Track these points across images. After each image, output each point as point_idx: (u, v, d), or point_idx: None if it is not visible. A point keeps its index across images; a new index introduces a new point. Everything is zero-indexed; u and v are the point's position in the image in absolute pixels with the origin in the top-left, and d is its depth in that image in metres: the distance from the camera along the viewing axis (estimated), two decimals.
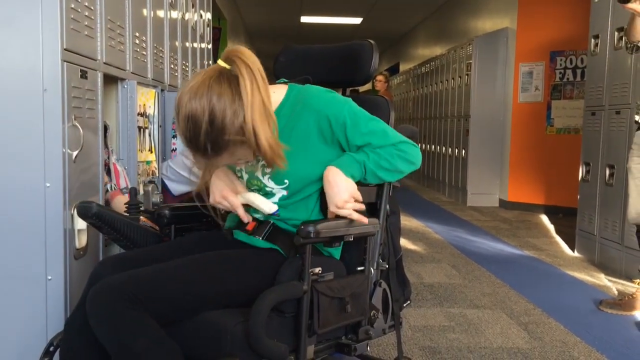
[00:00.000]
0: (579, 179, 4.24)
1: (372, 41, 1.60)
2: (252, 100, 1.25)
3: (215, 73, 1.26)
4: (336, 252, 1.49)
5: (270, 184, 1.43)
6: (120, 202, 2.01)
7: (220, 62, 1.29)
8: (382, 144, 1.42)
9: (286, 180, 1.42)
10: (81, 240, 1.73)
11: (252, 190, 1.46)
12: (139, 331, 1.20)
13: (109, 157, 2.13)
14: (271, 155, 1.29)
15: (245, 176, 1.47)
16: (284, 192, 1.43)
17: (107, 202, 2.04)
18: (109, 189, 2.07)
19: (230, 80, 1.26)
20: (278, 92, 1.45)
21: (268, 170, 1.42)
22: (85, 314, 1.28)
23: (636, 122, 2.87)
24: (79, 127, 1.69)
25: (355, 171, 1.39)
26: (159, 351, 1.20)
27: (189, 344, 1.27)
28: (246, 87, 1.25)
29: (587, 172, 4.12)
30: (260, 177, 1.44)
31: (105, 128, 2.15)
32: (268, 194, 1.45)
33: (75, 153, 1.67)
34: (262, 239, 1.44)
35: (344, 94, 1.77)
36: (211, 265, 1.34)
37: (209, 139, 1.24)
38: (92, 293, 1.23)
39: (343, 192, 1.35)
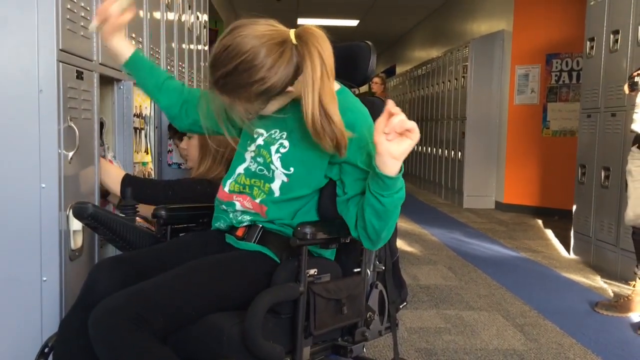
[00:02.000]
0: (575, 181, 4.25)
1: (369, 42, 1.60)
2: (317, 84, 1.25)
3: (280, 39, 1.26)
4: (330, 253, 1.48)
5: (277, 163, 1.40)
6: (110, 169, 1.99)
7: (291, 32, 1.29)
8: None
9: (292, 168, 1.40)
10: (76, 241, 1.72)
11: (253, 162, 1.44)
12: (144, 355, 1.18)
13: (104, 154, 2.12)
14: (315, 133, 1.27)
15: (260, 143, 1.44)
16: (285, 179, 1.40)
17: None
18: (105, 156, 2.06)
19: (288, 53, 1.26)
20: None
21: (283, 150, 1.40)
22: (80, 315, 1.28)
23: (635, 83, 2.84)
24: (75, 128, 1.68)
25: (399, 181, 1.22)
26: None
27: (185, 346, 1.27)
28: (311, 73, 1.25)
29: (583, 174, 4.13)
30: (272, 152, 1.41)
31: (102, 124, 2.15)
32: (268, 173, 1.41)
33: (70, 154, 1.66)
34: (254, 242, 1.43)
35: None
36: (208, 274, 1.33)
37: (228, 75, 1.24)
38: (93, 319, 1.20)
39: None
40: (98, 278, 1.34)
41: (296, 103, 1.36)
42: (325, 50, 1.28)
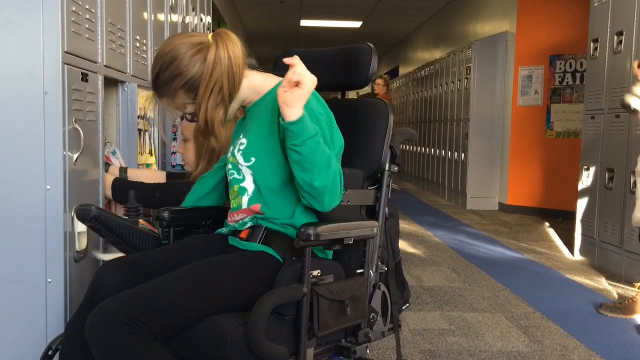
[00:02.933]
0: (579, 182, 4.24)
1: (371, 44, 1.60)
2: (211, 71, 1.38)
3: (198, 40, 1.41)
4: (329, 252, 1.48)
5: (240, 160, 1.46)
6: (131, 172, 2.04)
7: (209, 35, 1.43)
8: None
9: (252, 158, 1.43)
10: (81, 243, 1.73)
11: (233, 168, 1.50)
12: (141, 358, 1.18)
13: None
14: (203, 126, 1.41)
15: (229, 154, 1.52)
16: (250, 172, 1.44)
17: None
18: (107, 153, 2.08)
19: (205, 51, 1.40)
20: (271, 81, 1.50)
21: (242, 146, 1.46)
22: (86, 316, 1.28)
23: (627, 105, 2.84)
24: (80, 129, 1.69)
25: (307, 122, 1.29)
26: None
27: (188, 348, 1.27)
28: (210, 59, 1.38)
29: (587, 175, 4.13)
30: (236, 153, 1.47)
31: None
32: (238, 175, 1.47)
33: (75, 155, 1.67)
34: (258, 242, 1.43)
35: (343, 96, 1.78)
36: (208, 275, 1.33)
37: (160, 77, 1.41)
38: (90, 323, 1.20)
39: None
40: (103, 279, 1.35)
41: (251, 109, 1.50)
42: (234, 47, 1.41)
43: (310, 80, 1.27)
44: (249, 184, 1.45)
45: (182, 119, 2.04)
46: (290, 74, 1.26)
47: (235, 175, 1.48)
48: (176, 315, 1.24)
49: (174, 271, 1.32)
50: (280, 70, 1.74)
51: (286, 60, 1.27)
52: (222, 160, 1.71)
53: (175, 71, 1.39)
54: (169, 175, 2.25)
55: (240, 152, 1.46)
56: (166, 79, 1.40)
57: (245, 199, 1.45)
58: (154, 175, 2.21)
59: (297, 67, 1.26)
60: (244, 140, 1.47)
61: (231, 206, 1.51)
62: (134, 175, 2.15)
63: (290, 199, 1.43)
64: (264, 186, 1.43)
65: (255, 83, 1.47)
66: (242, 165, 1.45)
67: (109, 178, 2.00)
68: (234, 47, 1.41)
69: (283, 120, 1.28)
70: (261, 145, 1.43)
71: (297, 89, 1.26)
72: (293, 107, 1.26)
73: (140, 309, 1.20)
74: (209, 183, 1.69)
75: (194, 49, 1.39)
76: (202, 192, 1.68)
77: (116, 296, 1.24)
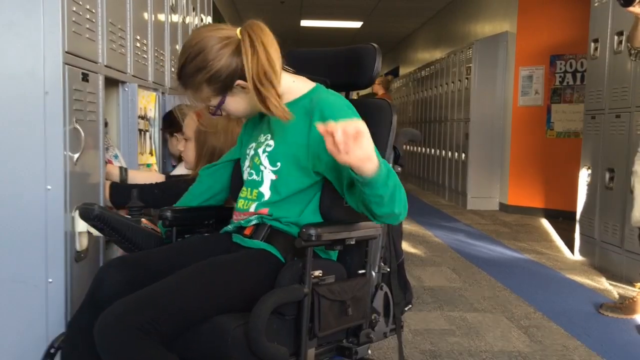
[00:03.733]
0: (579, 182, 4.24)
1: (375, 45, 1.60)
2: (251, 63, 1.34)
3: (226, 34, 1.39)
4: (333, 253, 1.48)
5: (265, 162, 1.45)
6: (111, 172, 2.04)
7: (238, 29, 1.40)
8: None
9: (278, 163, 1.42)
10: (82, 243, 1.72)
11: (248, 174, 1.49)
12: None
13: (107, 151, 2.13)
14: (275, 109, 1.36)
15: (252, 153, 1.50)
16: (273, 177, 1.43)
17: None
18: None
19: (233, 46, 1.37)
20: (300, 84, 1.48)
21: (269, 149, 1.45)
22: (88, 316, 1.28)
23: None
24: (80, 129, 1.69)
25: (382, 169, 1.20)
26: None
27: (189, 348, 1.27)
28: (245, 52, 1.35)
29: (587, 175, 4.12)
30: (260, 154, 1.46)
31: (105, 124, 2.16)
32: (257, 176, 1.46)
33: (76, 156, 1.67)
34: (261, 240, 1.43)
35: (346, 96, 1.78)
36: (213, 276, 1.33)
37: (185, 69, 1.39)
38: (99, 327, 1.20)
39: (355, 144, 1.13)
40: (105, 278, 1.35)
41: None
42: (265, 38, 1.37)
43: (360, 123, 1.13)
44: (265, 189, 1.44)
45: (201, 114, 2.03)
46: (340, 137, 1.10)
47: (254, 177, 1.47)
48: (183, 316, 1.24)
49: (179, 272, 1.32)
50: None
51: (323, 131, 1.13)
52: (226, 156, 1.69)
53: (201, 64, 1.37)
54: (167, 178, 2.25)
55: (267, 154, 1.45)
56: (191, 71, 1.38)
57: (255, 204, 1.45)
58: (152, 177, 2.21)
59: (339, 126, 1.11)
60: (271, 143, 1.45)
61: (238, 205, 1.50)
62: (133, 176, 2.14)
63: (301, 202, 1.44)
64: (281, 191, 1.43)
65: (284, 84, 1.43)
66: (265, 168, 1.45)
67: (106, 182, 2.00)
68: (266, 37, 1.37)
69: (360, 177, 1.18)
70: (290, 153, 1.41)
71: (360, 138, 1.11)
72: (371, 159, 1.15)
73: (150, 312, 1.20)
74: (214, 177, 1.68)
75: (222, 42, 1.37)
76: (206, 185, 1.68)
77: (124, 299, 1.23)
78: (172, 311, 1.22)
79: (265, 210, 1.43)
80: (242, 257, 1.41)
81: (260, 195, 1.45)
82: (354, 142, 1.11)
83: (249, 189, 1.47)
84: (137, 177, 2.16)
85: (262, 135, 1.49)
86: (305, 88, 1.47)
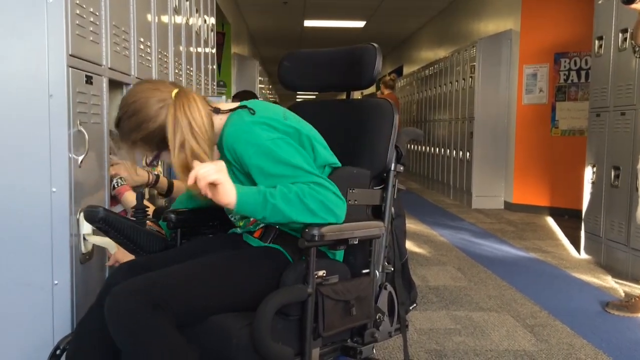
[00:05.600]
0: (584, 180, 4.23)
1: (375, 44, 1.60)
2: (173, 132, 1.37)
3: (163, 95, 1.41)
4: (339, 254, 1.49)
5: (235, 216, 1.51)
6: (129, 199, 2.03)
7: (173, 91, 1.42)
8: (292, 181, 1.33)
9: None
10: (87, 245, 1.73)
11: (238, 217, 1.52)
12: (160, 340, 1.19)
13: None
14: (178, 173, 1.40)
15: None
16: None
17: (114, 198, 2.06)
18: (115, 185, 2.08)
19: (167, 108, 1.39)
20: (221, 116, 1.46)
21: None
22: (97, 318, 1.29)
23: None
24: (85, 132, 1.69)
25: (253, 199, 1.28)
26: None
27: (194, 349, 1.27)
28: (170, 115, 1.38)
29: (593, 173, 4.11)
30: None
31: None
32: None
33: (80, 158, 1.67)
34: (269, 242, 1.44)
35: (348, 96, 1.78)
36: (225, 267, 1.35)
37: (123, 123, 1.42)
38: (111, 300, 1.22)
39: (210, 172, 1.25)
40: (114, 283, 1.36)
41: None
42: (192, 110, 1.38)
43: (212, 172, 1.24)
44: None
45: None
46: (200, 184, 1.24)
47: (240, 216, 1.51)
48: (193, 303, 1.26)
49: (194, 261, 1.35)
50: (286, 72, 1.75)
51: (190, 181, 1.25)
52: None
53: (136, 124, 1.40)
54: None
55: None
56: (127, 128, 1.41)
57: (252, 219, 1.48)
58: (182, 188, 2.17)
59: (197, 173, 1.24)
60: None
61: (238, 223, 1.53)
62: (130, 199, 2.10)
63: None
64: None
65: (216, 125, 1.43)
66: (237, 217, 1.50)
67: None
68: (192, 109, 1.38)
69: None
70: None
71: (215, 182, 1.24)
72: (224, 200, 1.26)
73: (161, 291, 1.22)
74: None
75: (158, 105, 1.39)
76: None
77: (139, 277, 1.26)
78: (185, 293, 1.25)
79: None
80: (253, 251, 1.43)
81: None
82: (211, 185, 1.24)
83: (239, 215, 1.50)
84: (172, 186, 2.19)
85: None
86: (222, 123, 1.45)
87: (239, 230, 1.53)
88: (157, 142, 1.41)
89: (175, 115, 1.37)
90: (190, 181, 1.25)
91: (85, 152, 1.70)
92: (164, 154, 1.45)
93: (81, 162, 1.68)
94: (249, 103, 1.43)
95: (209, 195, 1.26)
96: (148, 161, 1.49)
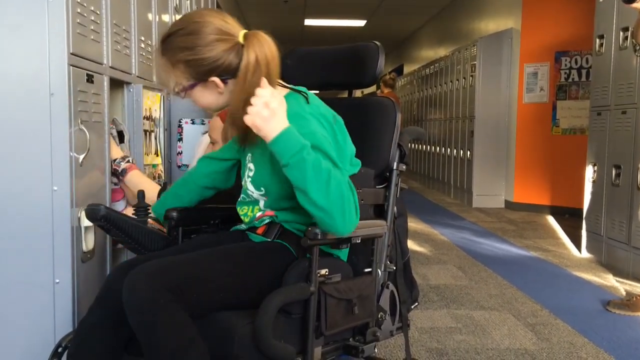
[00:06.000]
0: (585, 179, 4.23)
1: (377, 43, 1.60)
2: (245, 76, 1.31)
3: (230, 31, 1.34)
4: (343, 253, 1.49)
5: (250, 187, 1.45)
6: (133, 180, 2.02)
7: (241, 32, 1.35)
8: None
9: (262, 188, 1.42)
10: (88, 244, 1.73)
11: (244, 190, 1.48)
12: (176, 328, 1.18)
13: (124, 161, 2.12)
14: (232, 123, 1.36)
15: (243, 171, 1.49)
16: (264, 198, 1.43)
17: (120, 172, 2.05)
18: (120, 162, 2.05)
19: (229, 45, 1.33)
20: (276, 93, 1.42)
21: (250, 173, 1.45)
22: (97, 317, 1.29)
23: None
24: (86, 130, 1.69)
25: (291, 142, 1.22)
26: (192, 352, 1.19)
27: None
28: (247, 67, 1.31)
29: (594, 172, 4.11)
30: (246, 178, 1.46)
31: (122, 135, 2.16)
32: (249, 198, 1.46)
33: (81, 156, 1.67)
34: (273, 239, 1.44)
35: (349, 95, 1.78)
36: (236, 256, 1.35)
37: (172, 39, 1.33)
38: (129, 283, 1.20)
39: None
40: (117, 279, 1.35)
41: None
42: (267, 54, 1.33)
43: (277, 100, 1.23)
44: (262, 206, 1.45)
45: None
46: (252, 100, 1.23)
47: (246, 198, 1.48)
48: (206, 290, 1.26)
49: (211, 250, 1.35)
50: (287, 70, 1.74)
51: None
52: (227, 147, 1.66)
53: (189, 44, 1.32)
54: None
55: (250, 179, 1.45)
56: (177, 44, 1.33)
57: (259, 214, 1.46)
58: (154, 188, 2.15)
59: (259, 91, 1.23)
60: (252, 167, 1.45)
61: (243, 219, 1.51)
62: (135, 181, 2.09)
63: (305, 213, 1.43)
64: (275, 207, 1.44)
65: None
66: (253, 192, 1.45)
67: (154, 188, 1.98)
68: (267, 52, 1.33)
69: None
70: (268, 174, 1.40)
71: (262, 111, 1.22)
72: (267, 129, 1.22)
73: (181, 276, 1.22)
74: (213, 166, 1.66)
75: (220, 35, 1.32)
76: (208, 170, 1.65)
77: (156, 261, 1.25)
78: (200, 281, 1.24)
79: (272, 212, 1.44)
80: (259, 245, 1.43)
81: (260, 210, 1.46)
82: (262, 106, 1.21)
83: (248, 207, 1.48)
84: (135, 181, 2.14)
85: (248, 154, 1.48)
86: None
87: (243, 227, 1.53)
88: (201, 72, 1.34)
89: (258, 63, 1.31)
90: (260, 94, 1.21)
91: (86, 151, 1.70)
92: (198, 89, 1.38)
93: (82, 160, 1.68)
94: (303, 89, 1.41)
95: (255, 121, 1.21)
96: (177, 90, 1.39)
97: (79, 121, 1.66)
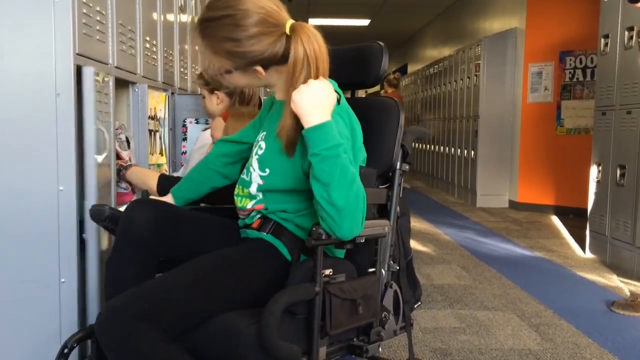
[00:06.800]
0: (590, 179, 4.22)
1: (381, 43, 1.60)
2: (295, 80, 1.28)
3: (277, 21, 1.30)
4: (340, 252, 1.48)
5: (254, 165, 1.43)
6: (135, 174, 2.04)
7: (289, 22, 1.32)
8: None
9: (267, 169, 1.40)
10: (103, 243, 1.74)
11: (247, 166, 1.48)
12: (153, 353, 1.18)
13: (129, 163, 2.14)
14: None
15: (253, 149, 1.48)
16: (260, 182, 1.41)
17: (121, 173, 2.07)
18: (121, 169, 2.07)
19: (275, 36, 1.30)
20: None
21: (260, 152, 1.43)
22: (123, 246, 1.36)
23: None
24: (104, 130, 1.70)
25: (328, 136, 1.22)
26: None
27: (202, 346, 1.27)
28: (295, 63, 1.28)
29: (598, 172, 4.10)
30: (253, 154, 1.45)
31: (128, 141, 2.17)
32: (247, 177, 1.45)
33: (101, 157, 1.68)
34: (267, 233, 1.43)
35: (352, 95, 1.78)
36: (215, 271, 1.33)
37: (214, 24, 1.29)
38: (100, 319, 1.21)
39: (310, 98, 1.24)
40: (134, 215, 1.37)
41: (280, 103, 1.41)
42: (316, 49, 1.30)
43: (328, 92, 1.25)
44: (253, 190, 1.44)
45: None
46: (310, 81, 1.24)
47: (245, 177, 1.47)
48: (185, 311, 1.25)
49: (182, 266, 1.32)
50: None
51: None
52: (245, 131, 1.65)
53: (233, 35, 1.28)
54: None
55: (257, 157, 1.44)
56: (220, 33, 1.29)
57: (251, 202, 1.45)
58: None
59: (314, 82, 1.24)
60: (263, 145, 1.44)
61: (236, 202, 1.50)
62: (139, 175, 2.12)
63: (293, 199, 1.42)
64: (267, 194, 1.43)
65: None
66: (254, 171, 1.43)
67: (154, 173, 2.01)
68: (315, 46, 1.30)
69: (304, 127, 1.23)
70: (277, 159, 1.38)
71: (314, 96, 1.23)
72: (309, 114, 1.23)
73: (150, 303, 1.21)
74: (229, 147, 1.65)
75: (266, 27, 1.28)
76: (223, 152, 1.64)
77: (124, 293, 1.24)
78: (173, 303, 1.23)
79: (261, 206, 1.44)
80: (246, 252, 1.40)
81: (251, 195, 1.44)
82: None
83: (241, 187, 1.47)
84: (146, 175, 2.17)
85: (261, 131, 1.48)
86: None
87: (240, 224, 1.52)
88: (243, 63, 1.31)
89: (307, 60, 1.28)
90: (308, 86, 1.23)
91: (107, 152, 1.71)
92: (237, 74, 1.35)
93: (102, 161, 1.69)
94: (338, 89, 1.40)
95: (303, 101, 1.22)
96: (214, 72, 1.36)
97: (99, 121, 1.67)
